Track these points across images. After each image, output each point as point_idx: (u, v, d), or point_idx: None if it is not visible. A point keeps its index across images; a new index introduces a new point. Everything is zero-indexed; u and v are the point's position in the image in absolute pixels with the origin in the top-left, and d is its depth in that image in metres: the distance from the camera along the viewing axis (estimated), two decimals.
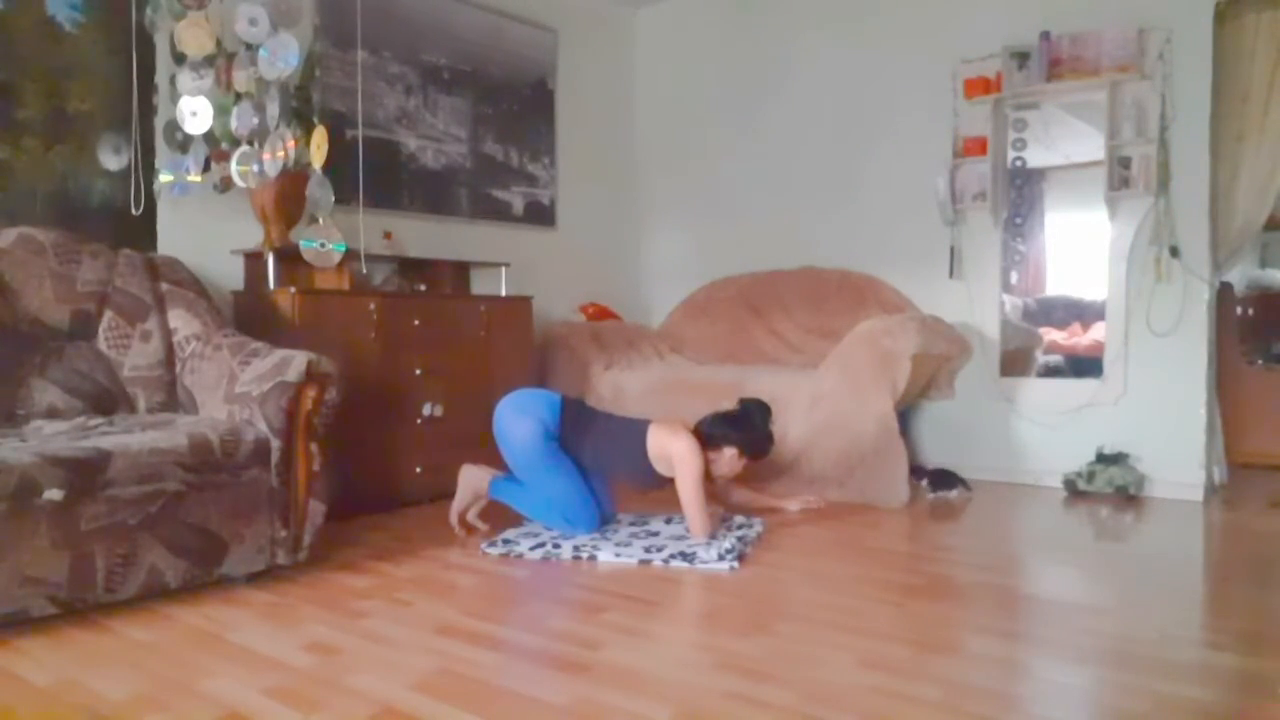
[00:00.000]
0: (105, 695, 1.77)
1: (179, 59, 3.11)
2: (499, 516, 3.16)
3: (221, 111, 3.16)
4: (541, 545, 2.86)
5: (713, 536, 2.94)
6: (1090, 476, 3.78)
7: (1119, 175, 3.80)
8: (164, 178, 3.18)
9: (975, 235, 4.20)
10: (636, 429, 3.03)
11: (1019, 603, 2.42)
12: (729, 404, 3.20)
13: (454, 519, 3.10)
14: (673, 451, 2.94)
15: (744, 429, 3.08)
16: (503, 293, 4.14)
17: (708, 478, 3.03)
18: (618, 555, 2.78)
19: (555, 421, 3.01)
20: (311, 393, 2.58)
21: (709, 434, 3.05)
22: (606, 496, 3.13)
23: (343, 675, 1.86)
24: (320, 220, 3.24)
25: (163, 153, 3.22)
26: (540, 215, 4.82)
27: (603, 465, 3.12)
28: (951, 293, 4.24)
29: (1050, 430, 4.01)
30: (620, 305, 5.13)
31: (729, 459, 3.07)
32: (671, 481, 3.00)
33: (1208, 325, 3.74)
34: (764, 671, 1.88)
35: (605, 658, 1.96)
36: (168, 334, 2.93)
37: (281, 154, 3.09)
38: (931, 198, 4.21)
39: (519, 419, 3.01)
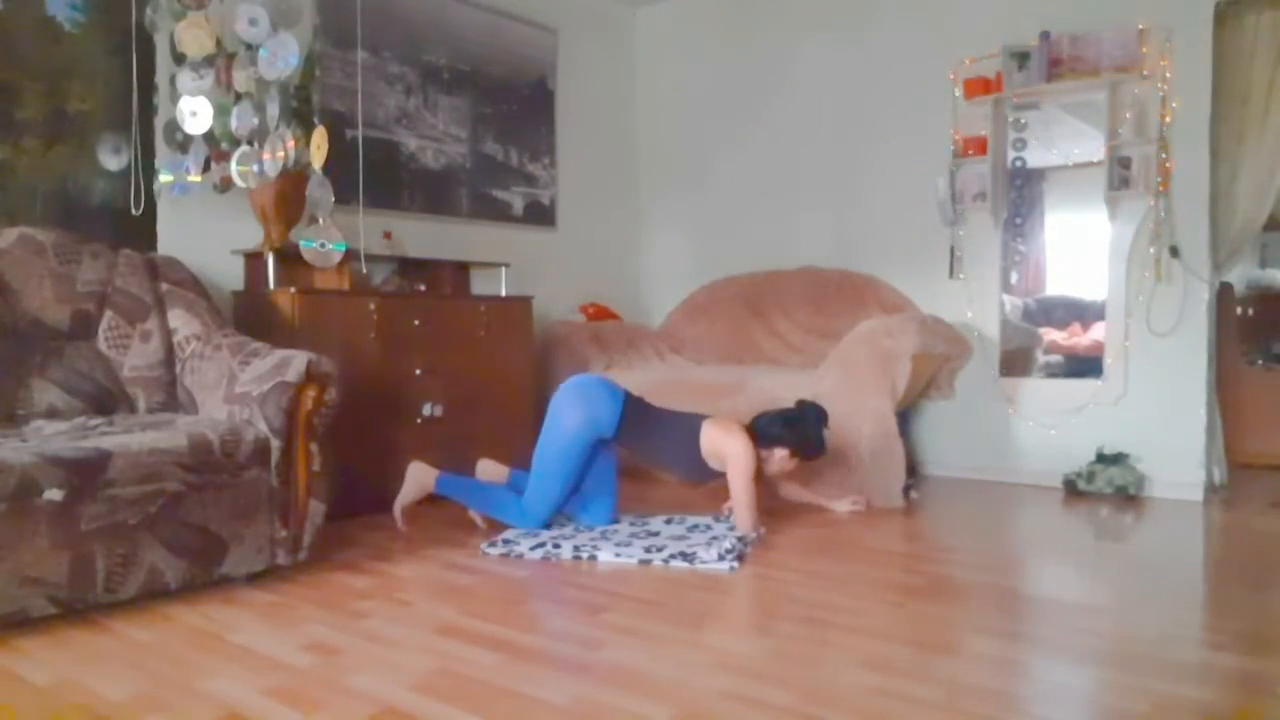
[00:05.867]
0: (105, 695, 1.77)
1: (179, 59, 3.11)
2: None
3: (221, 111, 3.16)
4: (541, 545, 2.86)
5: (756, 531, 3.02)
6: (1090, 476, 3.78)
7: (1119, 175, 3.80)
8: (164, 178, 3.18)
9: (975, 235, 4.20)
10: (692, 425, 3.09)
11: (1019, 603, 2.42)
12: (787, 403, 3.24)
13: (397, 512, 3.12)
14: (726, 451, 3.01)
15: (796, 431, 3.12)
16: (503, 293, 4.14)
17: (758, 476, 3.08)
18: (618, 555, 2.78)
19: (615, 420, 3.02)
20: (311, 393, 2.57)
21: (762, 433, 3.10)
22: (606, 508, 3.15)
23: (343, 675, 1.86)
24: (320, 220, 3.25)
25: (163, 153, 3.22)
26: (540, 215, 4.82)
27: (658, 458, 3.27)
28: (951, 293, 4.24)
29: (1050, 430, 4.01)
30: (620, 305, 5.13)
31: (780, 459, 3.13)
32: (720, 475, 3.08)
33: (1208, 325, 3.74)
34: (764, 671, 1.88)
35: (605, 658, 1.96)
36: (168, 334, 2.93)
37: (281, 154, 3.09)
38: (931, 198, 4.21)
39: (576, 407, 3.02)
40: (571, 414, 3.02)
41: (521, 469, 3.30)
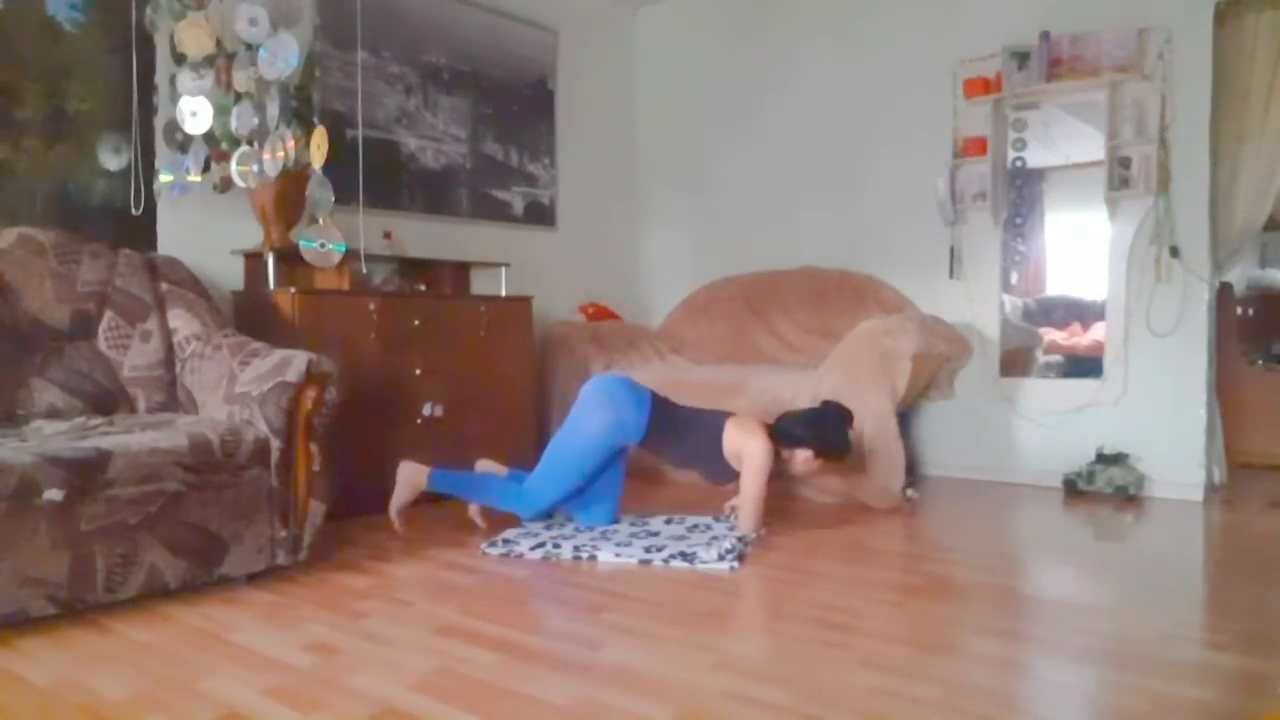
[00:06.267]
0: (105, 695, 1.77)
1: (179, 59, 3.11)
2: (498, 516, 3.16)
3: (221, 111, 3.16)
4: (541, 545, 2.86)
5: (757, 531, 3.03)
6: (1090, 476, 3.78)
7: (1119, 175, 3.80)
8: (164, 178, 3.18)
9: (975, 235, 4.20)
10: (715, 425, 3.07)
11: (1019, 603, 2.42)
12: (792, 403, 3.24)
13: (393, 514, 3.09)
14: (745, 451, 2.99)
15: (819, 431, 3.10)
16: (503, 293, 4.14)
17: (774, 477, 3.06)
18: (618, 555, 2.78)
19: (643, 427, 3.01)
20: (311, 393, 2.57)
21: (785, 433, 3.08)
22: (607, 511, 3.14)
23: (343, 675, 1.86)
24: (320, 220, 3.24)
25: (163, 153, 3.22)
26: (540, 215, 4.82)
27: (682, 461, 3.26)
28: (951, 293, 4.24)
29: (1050, 430, 4.01)
30: (620, 305, 5.13)
31: (804, 459, 3.11)
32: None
33: (1208, 325, 3.74)
34: (764, 671, 1.88)
35: (605, 658, 1.97)
36: (168, 334, 2.93)
37: (281, 154, 3.08)
38: (931, 198, 4.21)
39: (604, 410, 3.01)
40: (598, 417, 3.00)
41: (520, 470, 3.30)
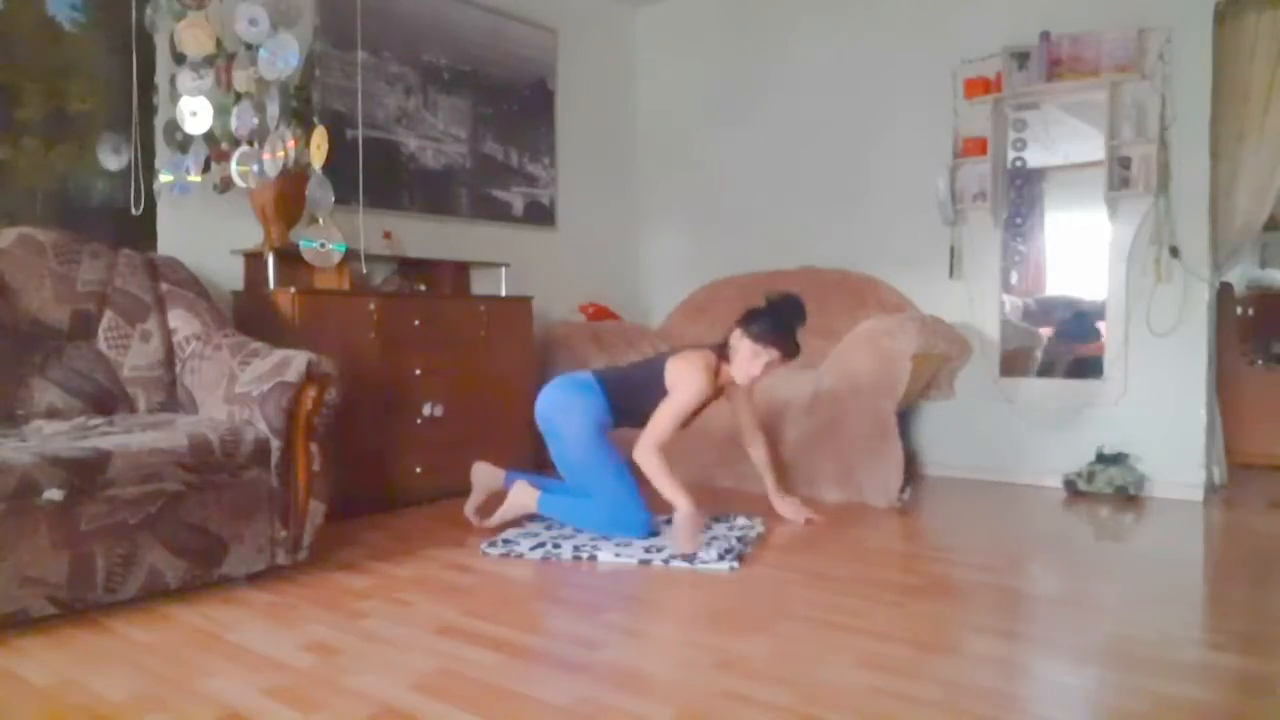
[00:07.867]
0: (105, 695, 1.77)
1: (179, 59, 3.11)
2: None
3: (221, 111, 3.16)
4: (541, 545, 2.86)
5: (707, 544, 2.84)
6: (1090, 476, 3.78)
7: (1119, 175, 3.80)
8: (164, 178, 3.18)
9: (975, 235, 4.20)
10: (657, 368, 3.04)
11: (1019, 603, 2.42)
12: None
13: (469, 511, 3.15)
14: (669, 382, 2.93)
15: (758, 318, 2.96)
16: (503, 293, 4.14)
17: (723, 394, 3.01)
18: (618, 555, 2.77)
19: (605, 407, 3.00)
20: (311, 393, 2.57)
21: (725, 339, 3.02)
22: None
23: (343, 675, 1.86)
24: (320, 220, 3.25)
25: (163, 153, 3.22)
26: (540, 215, 4.82)
27: (645, 414, 3.03)
28: (951, 293, 4.24)
29: (1050, 430, 4.01)
30: (620, 305, 5.13)
31: (746, 356, 2.95)
32: (697, 416, 3.00)
33: (1208, 325, 3.74)
34: (764, 671, 1.88)
35: (605, 658, 1.96)
36: (168, 334, 2.93)
37: (281, 154, 3.09)
38: (931, 198, 4.21)
39: (568, 416, 3.00)
40: (570, 423, 3.00)
41: (515, 470, 3.28)
